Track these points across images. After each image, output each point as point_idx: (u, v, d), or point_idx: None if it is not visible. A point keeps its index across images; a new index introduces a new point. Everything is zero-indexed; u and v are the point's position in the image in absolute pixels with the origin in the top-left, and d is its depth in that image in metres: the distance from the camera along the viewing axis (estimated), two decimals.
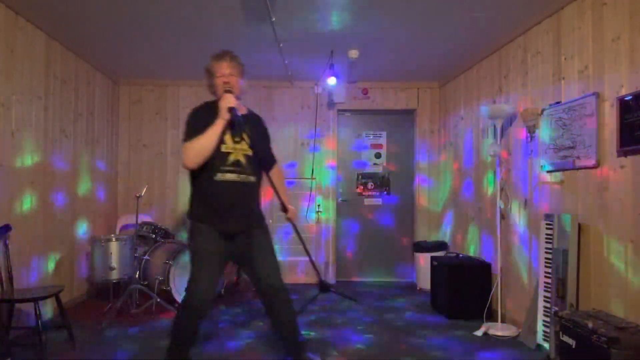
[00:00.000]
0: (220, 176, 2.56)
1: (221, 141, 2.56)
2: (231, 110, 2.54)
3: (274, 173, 2.88)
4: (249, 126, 2.65)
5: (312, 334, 3.79)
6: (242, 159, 2.62)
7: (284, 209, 2.83)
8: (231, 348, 3.47)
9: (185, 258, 4.57)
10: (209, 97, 6.16)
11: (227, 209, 2.59)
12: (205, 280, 2.57)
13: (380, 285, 5.77)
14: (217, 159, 2.56)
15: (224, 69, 2.65)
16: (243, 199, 2.64)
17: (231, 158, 2.59)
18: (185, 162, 2.54)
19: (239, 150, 2.62)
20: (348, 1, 3.52)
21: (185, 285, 2.64)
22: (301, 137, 5.95)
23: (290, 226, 2.90)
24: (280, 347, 2.85)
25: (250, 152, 2.64)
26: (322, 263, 5.87)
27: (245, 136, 2.63)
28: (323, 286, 3.18)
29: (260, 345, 3.51)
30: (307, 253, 2.96)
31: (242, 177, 2.61)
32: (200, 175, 2.59)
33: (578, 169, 3.20)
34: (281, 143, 5.92)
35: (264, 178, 2.77)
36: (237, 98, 2.64)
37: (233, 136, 2.61)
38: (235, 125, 2.59)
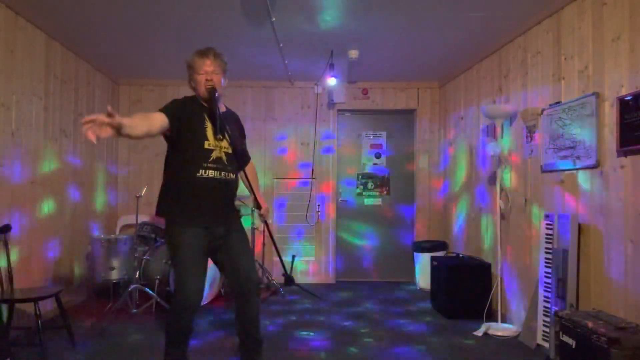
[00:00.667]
0: (202, 172, 2.55)
1: (204, 138, 2.56)
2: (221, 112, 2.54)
3: (248, 170, 2.89)
4: (228, 123, 2.67)
5: (312, 334, 3.79)
6: (223, 157, 2.62)
7: (258, 206, 2.79)
8: (219, 348, 3.47)
9: None
10: None
11: (209, 206, 2.58)
12: (195, 276, 2.54)
13: (380, 286, 5.77)
14: (199, 155, 2.54)
15: (207, 66, 2.64)
16: (224, 196, 2.64)
17: (213, 155, 2.58)
18: (135, 128, 2.15)
19: (221, 147, 2.61)
20: (348, 1, 3.52)
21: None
22: (301, 137, 5.95)
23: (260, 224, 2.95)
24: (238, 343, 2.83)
25: (230, 150, 2.64)
26: (322, 263, 5.87)
27: (225, 134, 2.63)
28: (288, 280, 3.40)
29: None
30: (276, 249, 2.99)
31: (223, 175, 2.61)
32: (181, 171, 2.57)
33: (578, 169, 3.20)
34: (281, 143, 5.93)
35: (240, 175, 2.79)
36: (219, 96, 2.65)
37: (215, 134, 2.61)
38: (216, 123, 2.59)
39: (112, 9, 3.64)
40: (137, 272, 4.52)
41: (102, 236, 4.69)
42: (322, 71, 5.14)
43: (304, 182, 5.87)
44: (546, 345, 3.25)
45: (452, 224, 5.53)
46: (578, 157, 3.17)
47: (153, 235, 5.03)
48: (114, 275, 4.50)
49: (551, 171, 3.49)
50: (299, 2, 3.54)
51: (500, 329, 3.80)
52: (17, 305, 3.43)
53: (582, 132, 3.14)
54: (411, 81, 5.92)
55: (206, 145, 2.56)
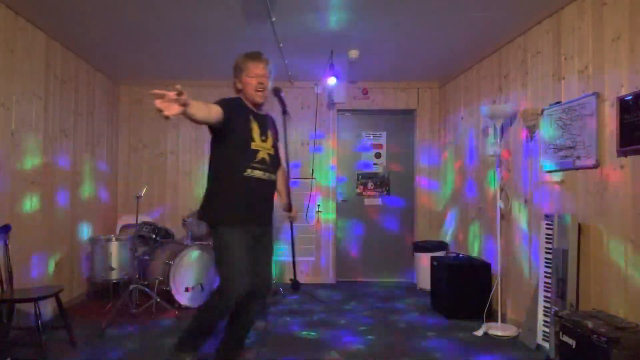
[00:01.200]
0: (249, 172, 2.62)
1: (250, 138, 2.63)
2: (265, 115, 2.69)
3: (281, 173, 3.00)
4: (270, 126, 2.80)
5: (313, 334, 3.79)
6: (267, 157, 2.71)
7: (289, 209, 2.93)
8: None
9: (185, 258, 4.58)
10: (209, 97, 6.16)
11: (254, 204, 2.67)
12: (244, 276, 2.55)
13: (380, 286, 5.77)
14: (247, 155, 2.62)
15: (260, 70, 2.70)
16: (267, 195, 2.74)
17: (259, 156, 2.67)
18: (198, 116, 2.27)
19: (265, 148, 2.70)
20: (348, 1, 3.52)
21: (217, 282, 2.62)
22: (301, 137, 5.95)
23: (289, 225, 3.03)
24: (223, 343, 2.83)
25: (272, 151, 2.75)
26: (322, 263, 5.87)
27: (269, 134, 2.76)
28: (295, 285, 3.38)
29: (250, 346, 3.51)
30: (292, 253, 3.08)
31: (267, 175, 2.70)
32: (229, 170, 2.62)
33: (578, 169, 3.20)
34: (281, 143, 5.92)
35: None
36: (284, 96, 2.82)
37: (260, 134, 2.70)
38: (259, 122, 2.70)
39: (112, 9, 3.64)
40: (137, 272, 4.53)
41: (102, 236, 4.69)
42: (322, 71, 5.13)
43: (304, 182, 5.87)
44: (546, 345, 3.25)
45: (451, 224, 5.53)
46: (578, 157, 3.17)
47: (153, 235, 5.03)
48: (114, 275, 4.51)
49: (551, 171, 3.49)
50: (299, 2, 3.54)
51: (500, 329, 3.80)
52: (17, 305, 3.44)
53: (582, 132, 3.13)
54: (411, 81, 5.92)
55: (252, 146, 2.64)
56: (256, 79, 2.68)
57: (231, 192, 2.62)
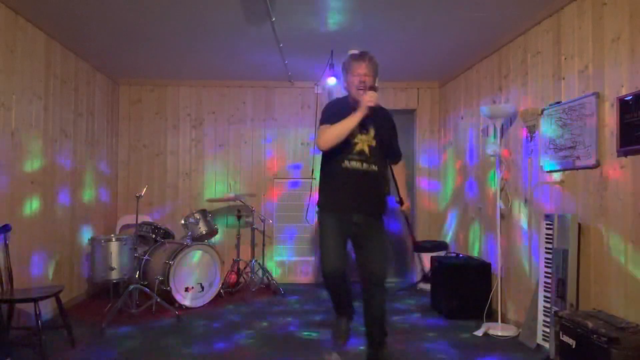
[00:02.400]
0: (346, 163, 2.84)
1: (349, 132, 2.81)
2: (371, 108, 2.79)
3: (397, 167, 3.21)
4: (375, 119, 2.91)
5: (314, 334, 3.79)
6: (366, 149, 2.87)
7: (401, 202, 3.13)
8: (219, 348, 3.47)
9: (186, 258, 4.58)
10: (209, 97, 6.16)
11: (352, 194, 2.85)
12: (332, 252, 2.85)
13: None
14: (344, 147, 2.82)
15: (362, 69, 2.90)
16: (365, 186, 2.87)
17: (357, 147, 2.85)
18: (319, 143, 2.85)
19: (364, 140, 2.87)
20: (348, 1, 3.52)
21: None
22: (301, 137, 5.95)
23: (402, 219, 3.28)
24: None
25: (374, 143, 2.89)
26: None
27: (371, 128, 2.89)
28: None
29: (250, 346, 3.51)
30: (413, 238, 3.55)
31: (365, 166, 2.86)
32: (330, 161, 2.90)
33: (578, 169, 3.20)
34: (281, 143, 5.93)
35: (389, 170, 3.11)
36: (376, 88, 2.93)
37: (360, 127, 2.84)
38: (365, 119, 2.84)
39: (112, 9, 3.64)
40: (137, 272, 4.53)
41: (102, 236, 4.69)
42: (322, 71, 5.13)
43: (304, 182, 5.87)
44: (546, 345, 3.25)
45: (451, 224, 5.53)
46: (578, 157, 3.17)
47: (153, 235, 5.03)
48: (114, 275, 4.50)
49: (551, 171, 3.49)
50: (299, 2, 3.54)
51: (500, 329, 3.80)
52: (17, 305, 3.44)
53: (582, 132, 3.13)
54: (411, 81, 5.92)
55: (351, 139, 2.82)
56: (357, 77, 2.89)
57: (330, 181, 2.93)
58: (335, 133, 2.77)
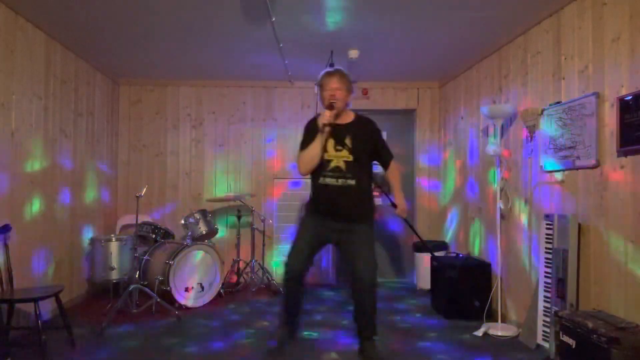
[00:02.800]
0: (322, 180, 3.01)
1: (324, 150, 2.99)
2: (326, 126, 2.96)
3: (390, 170, 3.27)
4: (353, 132, 3.05)
5: (314, 334, 3.79)
6: (342, 165, 3.00)
7: (394, 205, 3.23)
8: (219, 348, 3.47)
9: (186, 258, 4.58)
10: (209, 97, 6.16)
11: (328, 209, 3.03)
12: (298, 251, 3.05)
13: (380, 285, 5.75)
14: (321, 165, 3.00)
15: (333, 84, 3.05)
16: (342, 200, 3.00)
17: (332, 165, 3.00)
18: (299, 170, 3.09)
19: (340, 157, 3.00)
20: (348, 1, 3.52)
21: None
22: (301, 138, 5.93)
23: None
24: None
25: (350, 158, 3.00)
26: (323, 264, 5.86)
27: (347, 142, 3.02)
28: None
29: (250, 346, 3.51)
30: (419, 237, 3.69)
31: (341, 182, 2.99)
32: (312, 179, 3.11)
33: (578, 169, 3.20)
34: (281, 143, 5.93)
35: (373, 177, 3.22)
36: (343, 108, 3.10)
37: (335, 145, 3.01)
38: (335, 133, 3.01)
39: (112, 9, 3.64)
40: (137, 272, 4.53)
41: (102, 236, 4.69)
42: (322, 71, 5.12)
43: (305, 182, 5.86)
44: (546, 345, 3.25)
45: (452, 224, 5.53)
46: (578, 157, 3.17)
47: (153, 236, 5.03)
48: (114, 275, 4.51)
49: (551, 171, 3.49)
50: (299, 2, 3.54)
51: (500, 329, 3.80)
52: (17, 305, 3.44)
53: (582, 132, 3.13)
54: (411, 81, 5.92)
55: (325, 157, 2.99)
56: (329, 92, 3.05)
57: (313, 195, 3.12)
58: (306, 160, 3.01)
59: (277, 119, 5.93)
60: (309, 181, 3.42)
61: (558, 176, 3.43)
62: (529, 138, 3.79)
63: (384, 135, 6.06)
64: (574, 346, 2.67)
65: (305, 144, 3.06)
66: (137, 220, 4.42)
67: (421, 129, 6.01)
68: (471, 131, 4.95)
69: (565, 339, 2.75)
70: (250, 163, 5.92)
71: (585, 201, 3.14)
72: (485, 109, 4.04)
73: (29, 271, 3.84)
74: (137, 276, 4.45)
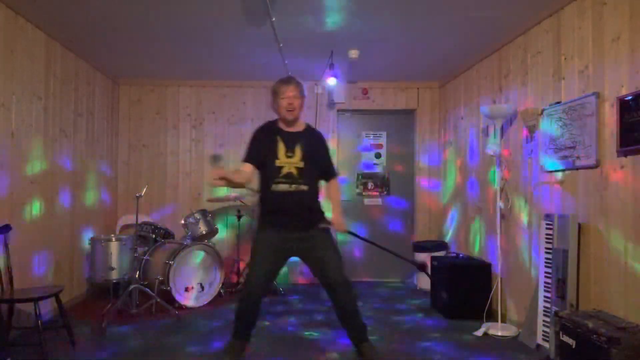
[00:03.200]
0: (274, 187, 2.98)
1: (275, 157, 2.99)
2: (303, 131, 3.05)
3: (331, 186, 3.28)
4: (303, 140, 3.07)
5: (315, 334, 3.79)
6: (294, 171, 3.00)
7: (329, 221, 3.18)
8: (219, 348, 3.46)
9: (186, 258, 4.58)
10: (209, 97, 6.16)
11: (281, 215, 3.00)
12: (259, 269, 3.01)
13: (380, 286, 5.76)
14: (272, 172, 2.98)
15: (289, 91, 3.05)
16: (295, 206, 3.00)
17: (284, 171, 2.99)
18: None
19: (292, 163, 3.00)
20: (348, 1, 3.52)
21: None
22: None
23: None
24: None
25: (301, 165, 3.01)
26: None
27: (298, 149, 3.03)
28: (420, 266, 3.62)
29: (250, 346, 3.51)
30: (383, 248, 3.50)
31: (293, 187, 2.98)
32: (261, 186, 3.07)
33: (578, 169, 3.20)
34: None
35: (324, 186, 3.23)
36: (297, 117, 3.11)
37: (286, 151, 3.02)
38: (286, 140, 3.05)
39: (112, 9, 3.64)
40: (137, 272, 4.52)
41: (102, 236, 4.69)
42: (322, 71, 5.13)
43: None
44: (546, 345, 3.25)
45: (452, 224, 5.53)
46: (578, 157, 3.17)
47: (153, 236, 5.03)
48: (114, 275, 4.50)
49: (551, 171, 3.49)
50: (299, 2, 3.54)
51: (500, 329, 3.80)
52: (17, 305, 3.44)
53: (582, 132, 3.13)
54: (411, 81, 5.92)
55: (277, 163, 2.99)
56: (286, 100, 3.03)
57: (263, 205, 3.08)
58: (233, 185, 2.98)
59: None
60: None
61: (558, 176, 3.43)
62: (529, 138, 3.79)
63: (384, 135, 6.10)
64: (574, 346, 2.67)
65: (249, 153, 3.05)
66: (137, 220, 4.42)
67: (421, 129, 6.01)
68: (471, 131, 4.95)
69: (565, 339, 2.75)
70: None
71: (585, 201, 3.14)
72: (485, 109, 4.03)
73: (29, 271, 3.84)
74: (137, 276, 4.45)
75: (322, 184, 3.23)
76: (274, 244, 3.00)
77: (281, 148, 3.02)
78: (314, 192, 3.11)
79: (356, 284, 5.81)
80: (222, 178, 2.73)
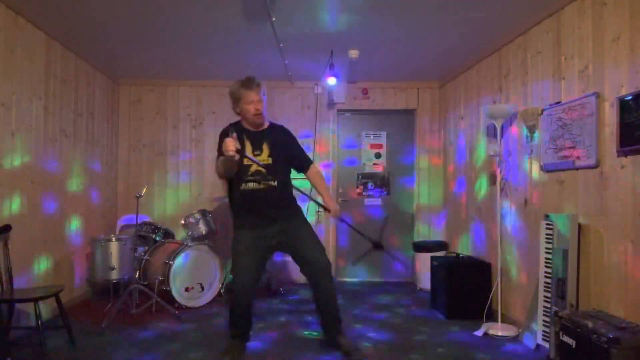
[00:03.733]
0: (244, 186, 3.01)
1: (241, 158, 2.93)
2: (233, 155, 2.82)
3: (311, 174, 3.31)
4: (268, 137, 3.10)
5: (315, 334, 3.79)
6: (262, 169, 3.01)
7: (326, 209, 3.27)
8: (219, 348, 3.46)
9: (185, 258, 4.58)
10: (209, 97, 6.15)
11: (254, 213, 3.03)
12: (243, 270, 3.03)
13: (380, 285, 5.76)
14: (241, 171, 2.99)
15: (254, 96, 3.04)
16: (266, 202, 3.03)
17: (252, 169, 3.01)
18: (218, 175, 3.08)
19: (259, 161, 3.01)
20: (348, 1, 3.52)
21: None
22: (301, 137, 5.94)
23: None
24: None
25: (270, 161, 3.04)
26: None
27: (265, 147, 3.06)
28: (376, 245, 3.72)
29: (250, 346, 3.51)
30: (362, 234, 3.63)
31: (263, 184, 3.01)
32: (231, 186, 3.07)
33: (578, 169, 3.20)
34: None
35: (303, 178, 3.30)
36: (263, 119, 3.12)
37: (253, 150, 3.04)
38: (251, 139, 3.05)
39: (112, 9, 3.64)
40: (137, 272, 4.52)
41: (102, 236, 4.69)
42: (322, 71, 5.13)
43: (304, 183, 5.86)
44: (546, 345, 3.25)
45: (452, 224, 5.53)
46: (578, 157, 3.17)
47: (153, 235, 5.03)
48: (114, 275, 4.50)
49: (551, 171, 3.49)
50: (299, 2, 3.54)
51: (500, 329, 3.80)
52: (17, 305, 3.44)
53: (582, 132, 3.13)
54: (411, 81, 5.92)
55: (245, 162, 2.98)
56: (252, 105, 3.04)
57: (236, 204, 3.09)
58: (220, 171, 2.97)
59: (277, 119, 5.87)
60: (306, 181, 3.43)
61: (558, 176, 3.43)
62: (529, 138, 3.79)
63: (384, 135, 6.10)
64: (574, 346, 2.67)
65: (219, 152, 2.97)
66: (137, 220, 4.42)
67: (421, 129, 6.00)
68: (471, 131, 4.95)
69: (565, 339, 2.75)
70: None
71: (585, 201, 3.14)
72: (485, 109, 4.03)
73: (29, 271, 3.84)
74: (137, 276, 4.45)
75: (302, 176, 3.31)
76: (252, 242, 3.02)
77: (248, 147, 3.04)
78: (284, 187, 3.13)
79: (356, 283, 5.84)
80: (237, 150, 2.76)
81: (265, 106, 3.11)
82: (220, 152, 2.91)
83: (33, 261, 3.91)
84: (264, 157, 3.05)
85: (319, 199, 3.37)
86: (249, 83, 3.07)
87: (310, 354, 3.35)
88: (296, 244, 3.09)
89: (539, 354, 3.31)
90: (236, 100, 3.10)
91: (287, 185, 3.17)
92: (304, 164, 3.30)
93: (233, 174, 2.97)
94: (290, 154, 3.20)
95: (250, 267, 3.04)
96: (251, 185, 3.01)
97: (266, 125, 3.20)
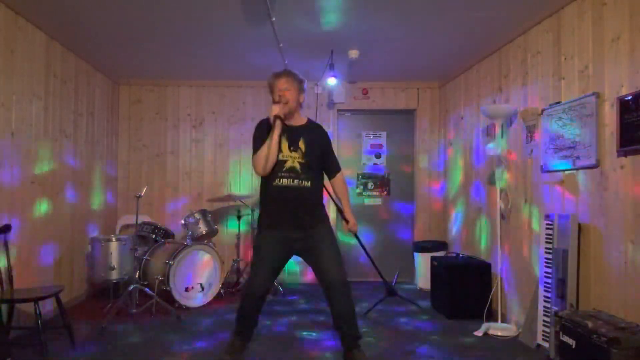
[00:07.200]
0: (277, 181, 2.93)
1: (279, 150, 2.92)
2: (277, 117, 2.86)
3: (337, 181, 3.23)
4: (305, 135, 3.01)
5: (315, 334, 3.79)
6: (297, 166, 2.95)
7: (345, 220, 3.19)
8: (219, 348, 3.46)
9: (186, 258, 4.58)
10: (209, 97, 6.16)
11: (283, 212, 2.96)
12: (261, 273, 2.97)
13: (380, 285, 5.75)
14: (275, 166, 2.93)
15: (281, 84, 2.98)
16: (297, 201, 2.95)
17: (287, 165, 2.94)
18: (255, 171, 2.98)
19: (294, 157, 2.95)
20: (348, 1, 3.52)
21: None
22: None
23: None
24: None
25: (304, 160, 2.96)
26: None
27: (301, 145, 2.98)
28: (390, 291, 3.57)
29: (250, 346, 3.51)
30: (371, 261, 3.59)
31: (296, 182, 2.93)
32: (264, 182, 3.01)
33: (578, 169, 3.20)
34: None
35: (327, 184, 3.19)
36: (295, 109, 3.04)
37: (289, 145, 2.96)
38: (288, 134, 2.95)
39: (112, 9, 3.64)
40: (137, 272, 4.52)
41: (102, 236, 4.69)
42: (322, 71, 5.13)
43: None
44: (546, 345, 3.25)
45: (452, 224, 5.53)
46: (578, 157, 3.17)
47: (153, 236, 5.03)
48: (114, 275, 4.50)
49: (551, 171, 3.49)
50: (299, 2, 3.54)
51: (500, 329, 3.80)
52: (17, 305, 3.44)
53: (582, 132, 3.14)
54: (411, 81, 5.92)
55: (280, 157, 2.93)
56: (278, 92, 2.97)
57: (265, 201, 3.03)
58: (262, 156, 2.88)
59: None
60: None
61: (558, 176, 3.43)
62: (529, 138, 3.79)
63: (384, 135, 6.10)
64: (574, 346, 2.67)
65: (259, 142, 2.95)
66: (137, 220, 4.42)
67: (421, 129, 6.01)
68: (471, 131, 4.95)
69: (565, 339, 2.75)
70: (250, 163, 5.91)
71: (585, 201, 3.14)
72: (485, 109, 4.04)
73: (29, 271, 3.84)
74: (137, 276, 4.45)
75: (326, 179, 3.20)
76: (276, 243, 2.97)
77: (284, 142, 2.96)
78: (317, 189, 3.05)
79: (356, 283, 5.83)
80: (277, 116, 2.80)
81: (296, 98, 3.01)
82: (255, 146, 2.93)
83: (33, 261, 3.91)
84: (300, 155, 2.96)
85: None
86: (277, 73, 3.05)
87: (310, 354, 3.35)
88: (318, 253, 2.99)
89: (539, 354, 3.31)
90: (270, 91, 3.05)
91: (319, 188, 3.08)
92: (334, 169, 3.21)
93: (272, 163, 2.89)
94: (324, 155, 3.11)
95: (269, 267, 2.99)
96: (285, 181, 2.92)
97: (304, 121, 3.12)
